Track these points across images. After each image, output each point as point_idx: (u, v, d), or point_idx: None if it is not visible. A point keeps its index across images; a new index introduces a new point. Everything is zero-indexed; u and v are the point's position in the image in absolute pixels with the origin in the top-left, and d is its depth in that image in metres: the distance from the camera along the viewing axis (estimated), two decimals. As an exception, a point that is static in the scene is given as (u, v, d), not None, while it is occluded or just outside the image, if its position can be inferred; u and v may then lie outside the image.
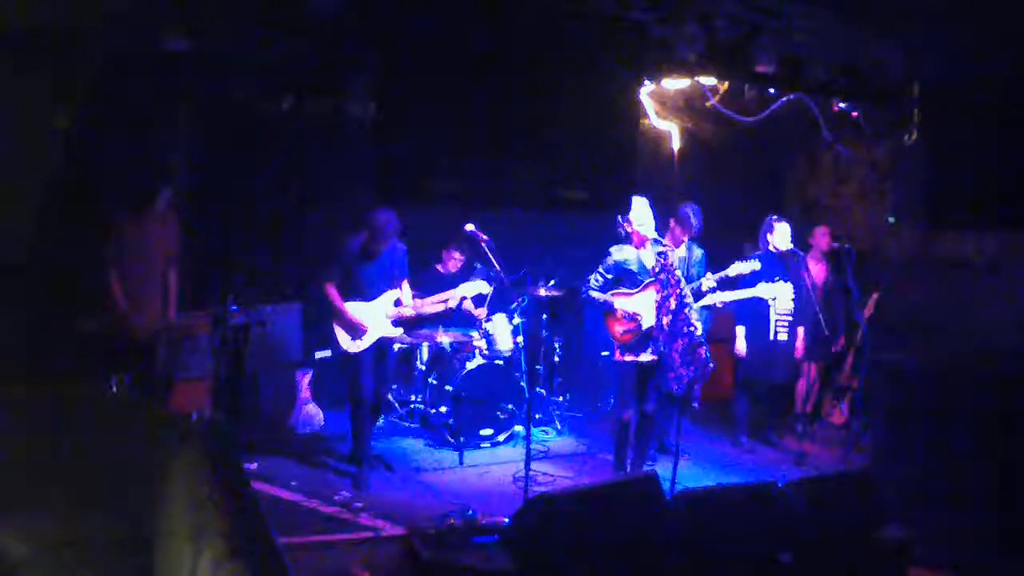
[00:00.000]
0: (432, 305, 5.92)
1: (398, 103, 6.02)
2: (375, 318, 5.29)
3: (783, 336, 6.19)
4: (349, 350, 5.29)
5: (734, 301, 5.96)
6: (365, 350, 5.27)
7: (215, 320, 4.87)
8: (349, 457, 5.53)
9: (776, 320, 6.16)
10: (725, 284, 5.62)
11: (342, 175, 6.57)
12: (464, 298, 6.06)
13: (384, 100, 5.91)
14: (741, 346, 6.24)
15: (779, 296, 6.01)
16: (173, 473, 1.01)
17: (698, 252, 5.61)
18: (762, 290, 5.78)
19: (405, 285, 5.46)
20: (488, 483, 5.46)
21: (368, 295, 5.30)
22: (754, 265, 5.54)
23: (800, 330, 6.31)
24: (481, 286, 5.92)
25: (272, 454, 5.68)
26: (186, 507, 1.00)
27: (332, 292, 5.23)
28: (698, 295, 5.55)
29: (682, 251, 5.60)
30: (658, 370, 5.08)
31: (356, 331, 5.26)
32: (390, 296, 5.37)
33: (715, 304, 5.78)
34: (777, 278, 5.88)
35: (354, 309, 5.25)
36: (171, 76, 4.89)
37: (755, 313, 6.14)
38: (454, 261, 6.50)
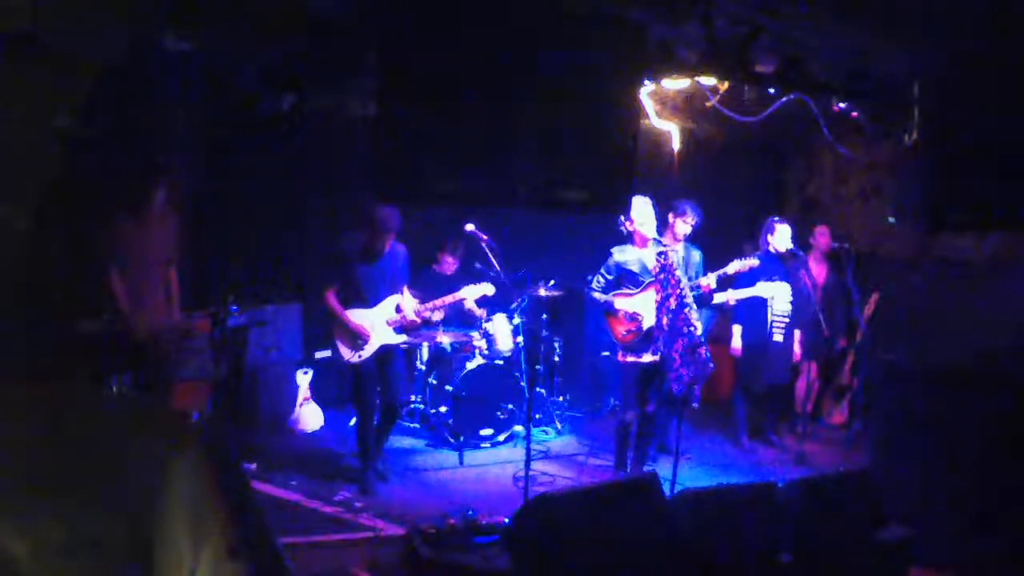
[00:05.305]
0: (435, 311, 5.83)
1: (398, 103, 6.01)
2: (377, 325, 5.14)
3: (779, 337, 6.20)
4: (351, 361, 5.11)
5: (730, 304, 5.99)
6: (367, 359, 5.11)
7: (215, 320, 4.87)
8: (360, 468, 5.31)
9: (773, 321, 6.16)
10: (724, 282, 5.63)
11: (342, 175, 6.57)
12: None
13: (384, 100, 5.90)
14: (737, 344, 6.24)
15: (777, 296, 6.03)
16: (173, 473, 1.01)
17: (696, 255, 5.58)
18: (760, 289, 5.80)
19: (406, 291, 5.33)
20: (488, 483, 5.46)
21: (369, 301, 5.14)
22: (752, 262, 5.55)
23: (797, 332, 6.30)
24: (486, 288, 5.83)
25: (272, 454, 5.69)
26: (186, 507, 1.00)
27: (332, 301, 5.09)
28: (705, 299, 5.56)
29: (680, 252, 5.58)
30: (659, 371, 5.09)
31: (358, 340, 5.09)
32: (391, 302, 5.21)
33: (726, 302, 5.82)
34: (775, 277, 5.89)
35: (355, 316, 5.09)
36: (171, 76, 4.89)
37: (753, 313, 6.15)
38: (448, 263, 6.49)
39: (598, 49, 5.54)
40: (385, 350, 5.17)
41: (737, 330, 6.24)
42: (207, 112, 5.78)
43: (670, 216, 5.55)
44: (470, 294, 5.69)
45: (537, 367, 6.65)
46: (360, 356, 5.10)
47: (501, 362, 6.29)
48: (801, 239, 6.39)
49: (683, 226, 5.51)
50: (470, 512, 4.39)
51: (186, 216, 5.27)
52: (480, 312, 6.35)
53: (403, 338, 5.36)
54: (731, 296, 5.83)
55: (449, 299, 5.60)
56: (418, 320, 5.40)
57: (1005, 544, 4.03)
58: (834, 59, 5.79)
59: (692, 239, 5.65)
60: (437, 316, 6.11)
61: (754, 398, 6.44)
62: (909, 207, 7.05)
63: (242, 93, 5.52)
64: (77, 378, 1.12)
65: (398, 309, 5.25)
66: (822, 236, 6.85)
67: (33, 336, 1.10)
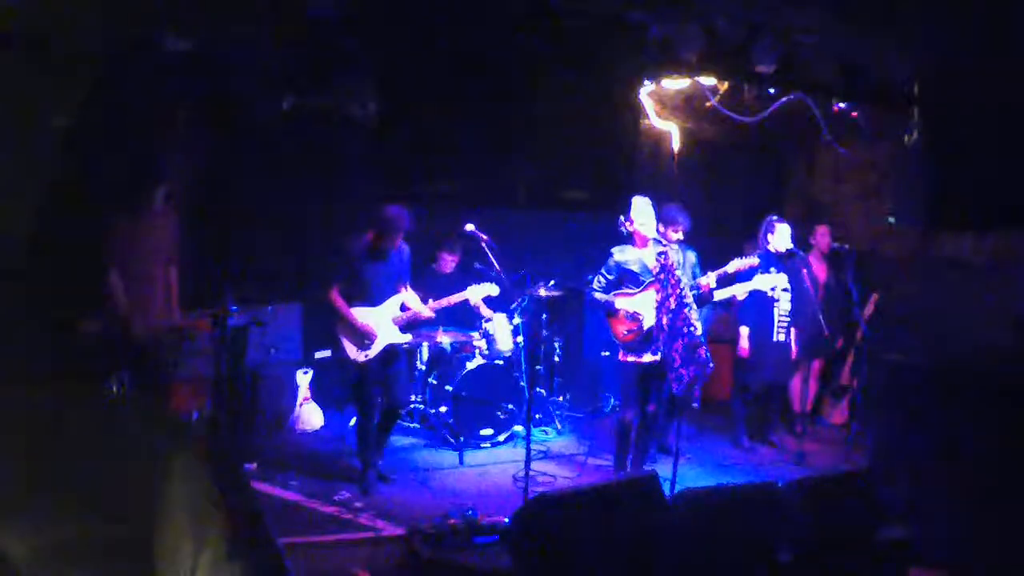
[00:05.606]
0: (441, 310, 5.80)
1: (398, 103, 6.02)
2: (383, 324, 5.10)
3: (781, 336, 6.20)
4: (357, 360, 5.06)
5: (738, 301, 5.97)
6: (372, 358, 5.07)
7: (215, 320, 4.86)
8: (360, 468, 5.30)
9: (778, 320, 6.16)
10: (724, 281, 5.63)
11: (342, 175, 6.58)
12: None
13: (384, 100, 5.91)
14: (745, 345, 6.23)
15: (778, 291, 6.02)
16: (173, 473, 1.01)
17: (691, 256, 5.57)
18: (758, 281, 5.79)
19: (409, 289, 5.30)
20: (488, 483, 5.46)
21: (375, 300, 5.10)
22: (752, 261, 5.55)
23: (792, 331, 6.30)
24: (490, 288, 5.82)
25: (272, 454, 5.69)
26: (186, 507, 1.00)
27: (337, 298, 5.03)
28: (705, 298, 5.55)
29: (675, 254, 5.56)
30: (661, 372, 5.08)
31: (364, 339, 5.05)
32: (396, 300, 5.18)
33: (732, 297, 5.81)
34: (772, 269, 5.88)
35: (361, 315, 5.04)
36: (171, 76, 4.89)
37: (759, 314, 6.14)
38: (446, 262, 6.48)
39: (598, 49, 5.54)
40: (390, 349, 5.14)
41: (744, 331, 6.22)
42: (207, 112, 5.78)
43: (660, 226, 5.53)
44: (475, 294, 5.69)
45: (537, 367, 6.64)
46: (367, 355, 5.07)
47: (501, 362, 6.28)
48: (801, 239, 6.39)
49: (674, 235, 5.50)
50: (470, 512, 4.39)
51: (186, 216, 5.27)
52: (488, 312, 6.29)
53: (408, 337, 5.33)
54: (736, 291, 5.79)
55: (455, 299, 5.59)
56: (432, 316, 5.36)
57: (1004, 544, 4.03)
58: (834, 59, 5.80)
59: (688, 240, 5.65)
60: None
61: (753, 398, 6.43)
62: (909, 207, 7.05)
63: (241, 93, 5.52)
64: (77, 378, 1.12)
65: (403, 307, 5.22)
66: (822, 236, 6.84)
67: (33, 336, 1.10)
